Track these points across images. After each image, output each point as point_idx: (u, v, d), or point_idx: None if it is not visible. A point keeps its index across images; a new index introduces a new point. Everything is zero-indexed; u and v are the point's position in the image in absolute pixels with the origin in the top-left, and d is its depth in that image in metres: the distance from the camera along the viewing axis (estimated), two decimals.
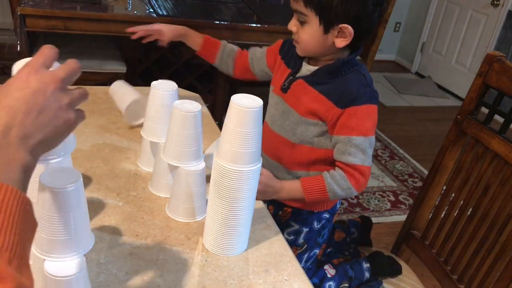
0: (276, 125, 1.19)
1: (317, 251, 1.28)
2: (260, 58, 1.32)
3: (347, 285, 1.24)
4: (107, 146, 1.20)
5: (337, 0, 1.01)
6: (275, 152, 1.21)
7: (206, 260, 0.88)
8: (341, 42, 1.06)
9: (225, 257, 0.89)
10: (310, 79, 1.12)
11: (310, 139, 1.14)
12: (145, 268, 0.84)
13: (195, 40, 1.39)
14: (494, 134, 1.14)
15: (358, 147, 1.07)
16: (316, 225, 1.25)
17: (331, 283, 1.23)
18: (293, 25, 1.10)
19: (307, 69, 1.15)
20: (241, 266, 0.88)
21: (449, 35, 4.53)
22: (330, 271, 1.25)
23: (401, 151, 3.25)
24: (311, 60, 1.16)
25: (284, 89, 1.17)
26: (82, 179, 0.68)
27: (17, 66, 0.64)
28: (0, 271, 0.40)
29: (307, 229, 1.24)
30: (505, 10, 3.94)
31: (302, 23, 1.08)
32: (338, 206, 1.30)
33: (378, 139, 3.36)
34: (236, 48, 1.38)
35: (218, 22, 2.29)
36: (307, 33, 1.08)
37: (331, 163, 1.15)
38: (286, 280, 0.86)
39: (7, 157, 0.47)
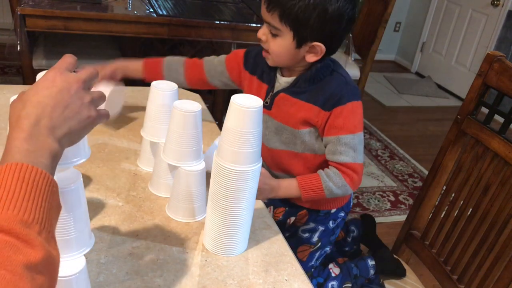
0: (273, 142, 1.18)
1: (328, 249, 1.28)
2: (220, 72, 1.26)
3: (349, 285, 1.24)
4: (107, 146, 1.20)
5: (314, 19, 1.00)
6: (282, 166, 1.21)
7: (206, 260, 0.88)
8: (311, 58, 1.07)
9: (225, 257, 0.89)
10: (292, 90, 1.12)
11: (312, 146, 1.15)
12: (145, 268, 0.84)
13: (134, 67, 1.27)
14: (494, 134, 1.14)
15: (348, 145, 1.08)
16: (331, 224, 1.25)
17: (334, 282, 1.23)
18: (262, 34, 1.08)
19: (284, 81, 1.14)
20: (241, 266, 0.88)
21: (449, 35, 4.53)
22: (334, 270, 1.25)
23: (401, 151, 3.25)
24: (284, 70, 1.15)
25: (268, 106, 1.16)
26: (82, 179, 0.68)
27: (40, 75, 0.69)
28: (32, 239, 0.46)
29: (323, 228, 1.24)
30: (505, 10, 3.94)
31: (274, 35, 1.06)
32: (351, 203, 1.30)
33: (378, 139, 3.36)
34: (182, 59, 1.29)
35: (218, 22, 2.29)
36: (279, 45, 1.06)
37: None
38: (286, 280, 0.86)
39: (38, 144, 0.53)
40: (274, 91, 1.15)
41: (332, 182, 1.08)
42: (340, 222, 1.28)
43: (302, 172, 1.18)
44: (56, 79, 0.59)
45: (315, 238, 1.25)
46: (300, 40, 1.04)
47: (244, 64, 1.23)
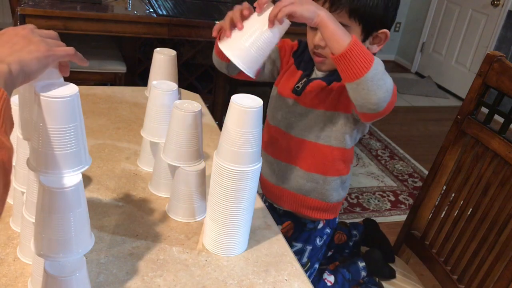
0: (292, 127, 1.16)
1: (317, 266, 1.27)
2: (273, 61, 1.23)
3: None
4: (107, 146, 1.20)
5: (380, 7, 1.02)
6: (291, 154, 1.18)
7: (206, 260, 0.88)
8: (375, 49, 1.08)
9: (225, 257, 0.89)
10: (328, 79, 1.12)
11: (341, 135, 1.12)
12: (145, 268, 0.84)
13: None
14: (494, 134, 1.14)
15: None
16: (318, 242, 1.24)
17: None
18: (320, 40, 1.04)
19: (320, 74, 1.14)
20: (241, 266, 0.88)
21: (449, 35, 4.53)
22: (329, 278, 1.24)
23: (401, 151, 3.25)
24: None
25: (298, 92, 1.14)
26: (82, 179, 0.68)
27: None
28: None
29: (311, 247, 1.23)
30: (505, 10, 3.94)
31: None
32: (337, 220, 1.29)
33: (378, 139, 3.36)
34: None
35: (218, 22, 2.28)
36: None
37: (348, 163, 1.17)
38: (286, 280, 0.86)
39: None
40: (310, 79, 1.14)
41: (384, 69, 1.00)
42: (326, 239, 1.26)
43: (310, 167, 1.16)
44: (7, 31, 0.69)
45: (304, 259, 1.24)
46: (368, 32, 1.05)
47: (295, 50, 1.21)
